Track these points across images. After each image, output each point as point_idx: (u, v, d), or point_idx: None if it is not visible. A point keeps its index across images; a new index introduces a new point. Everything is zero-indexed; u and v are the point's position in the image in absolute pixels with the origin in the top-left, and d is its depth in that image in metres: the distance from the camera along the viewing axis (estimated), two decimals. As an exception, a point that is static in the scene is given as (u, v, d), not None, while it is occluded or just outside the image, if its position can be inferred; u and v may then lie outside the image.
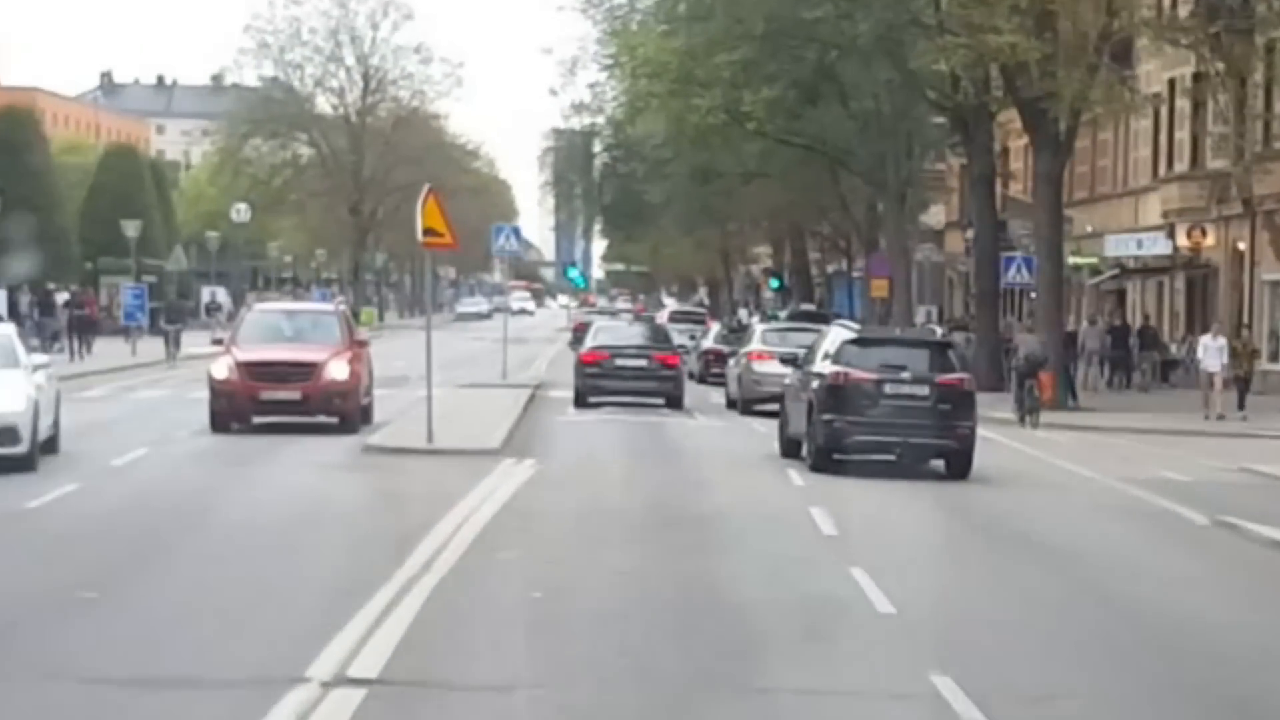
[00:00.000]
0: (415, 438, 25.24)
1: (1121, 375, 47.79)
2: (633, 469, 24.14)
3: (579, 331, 41.48)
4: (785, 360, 30.33)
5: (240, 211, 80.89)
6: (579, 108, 73.25)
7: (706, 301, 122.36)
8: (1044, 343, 37.45)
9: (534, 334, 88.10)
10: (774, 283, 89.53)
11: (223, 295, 59.33)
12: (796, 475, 23.32)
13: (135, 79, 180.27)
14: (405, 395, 36.84)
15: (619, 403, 35.33)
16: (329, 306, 29.72)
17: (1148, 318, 51.10)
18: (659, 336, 38.50)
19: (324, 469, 22.96)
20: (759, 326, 42.98)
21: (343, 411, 27.38)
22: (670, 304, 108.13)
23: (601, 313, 62.54)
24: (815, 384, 23.92)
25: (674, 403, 35.43)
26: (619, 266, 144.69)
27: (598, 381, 35.54)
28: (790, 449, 25.30)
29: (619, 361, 35.57)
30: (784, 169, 58.46)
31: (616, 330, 39.51)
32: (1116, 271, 51.81)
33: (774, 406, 28.73)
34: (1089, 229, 54.03)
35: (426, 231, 24.50)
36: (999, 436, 30.92)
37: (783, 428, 26.17)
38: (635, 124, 57.93)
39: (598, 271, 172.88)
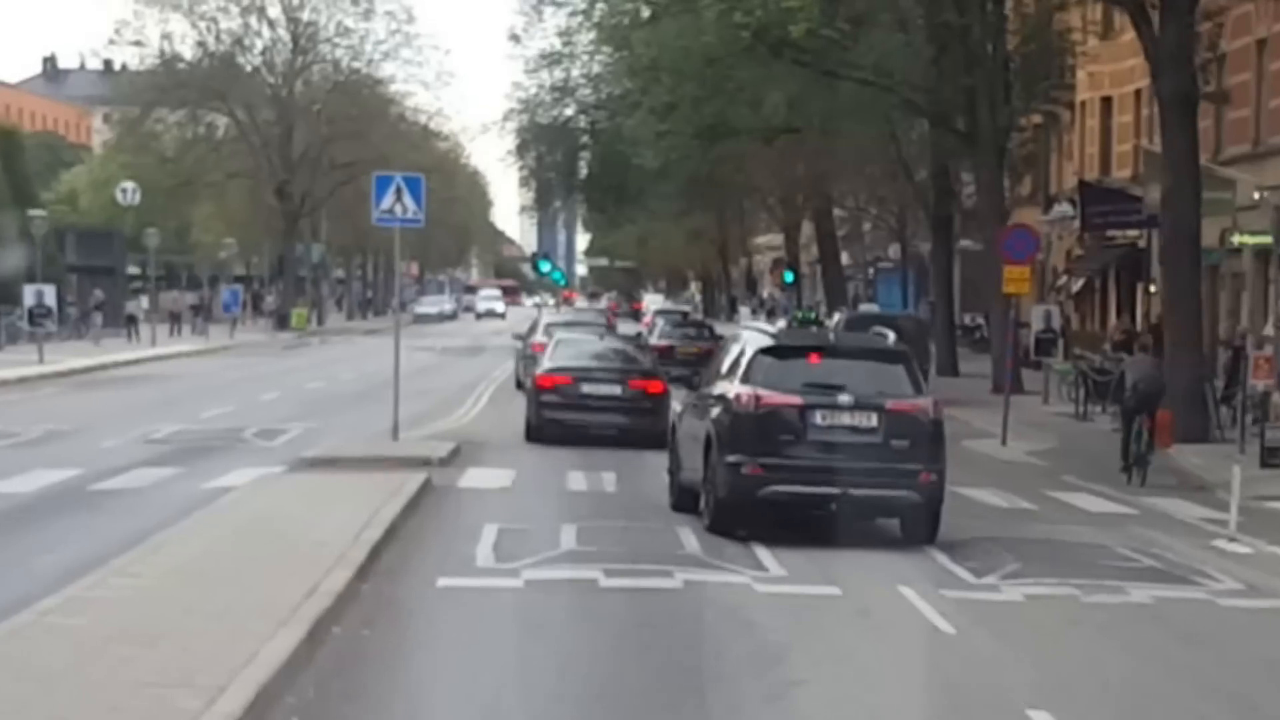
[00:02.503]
0: None
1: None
2: None
3: None
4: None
5: (127, 193, 64.99)
6: (549, 58, 59.61)
7: (698, 298, 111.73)
8: (1160, 366, 26.84)
9: (496, 340, 72.84)
10: (788, 276, 78.01)
11: (51, 298, 43.13)
12: None
13: (81, 64, 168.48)
14: (187, 487, 20.41)
15: (590, 439, 27.71)
16: None
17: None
18: (638, 356, 31.26)
19: None
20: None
21: None
22: (654, 302, 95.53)
23: (576, 318, 46.22)
24: (716, 411, 18.28)
25: (655, 442, 27.19)
26: (602, 261, 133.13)
27: (557, 414, 28.69)
28: (684, 501, 19.55)
29: (585, 388, 28.94)
30: (823, 120, 44.46)
31: (583, 346, 31.71)
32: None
33: None
34: (1257, 195, 39.06)
35: None
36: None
37: (673, 471, 20.55)
38: (623, 51, 42.94)
39: (581, 268, 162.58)
